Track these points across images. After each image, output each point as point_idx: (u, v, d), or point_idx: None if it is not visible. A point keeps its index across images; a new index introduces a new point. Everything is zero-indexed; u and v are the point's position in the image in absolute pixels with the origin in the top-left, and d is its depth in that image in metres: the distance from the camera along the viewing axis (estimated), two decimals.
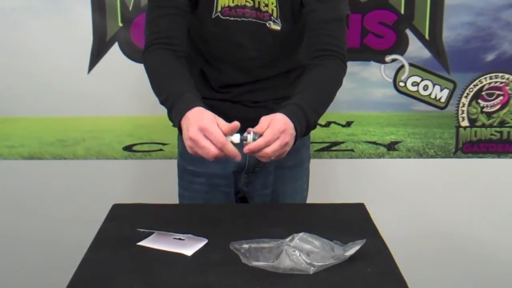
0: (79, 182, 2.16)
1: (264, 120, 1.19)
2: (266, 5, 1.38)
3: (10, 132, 2.14)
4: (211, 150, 1.15)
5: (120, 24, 2.03)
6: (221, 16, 1.38)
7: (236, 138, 1.17)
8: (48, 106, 2.10)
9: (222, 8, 1.38)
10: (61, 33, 2.03)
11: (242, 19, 1.38)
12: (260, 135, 1.17)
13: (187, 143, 1.18)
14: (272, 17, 1.39)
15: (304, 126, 1.25)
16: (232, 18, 1.38)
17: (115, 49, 2.05)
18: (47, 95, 2.08)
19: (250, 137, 1.17)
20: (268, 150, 1.16)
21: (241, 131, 1.49)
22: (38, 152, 2.15)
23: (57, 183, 2.16)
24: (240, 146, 1.17)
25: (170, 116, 1.29)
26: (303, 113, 1.25)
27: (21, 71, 2.06)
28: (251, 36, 1.40)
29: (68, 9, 2.02)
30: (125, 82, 2.06)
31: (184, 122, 1.21)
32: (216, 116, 1.19)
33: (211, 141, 1.15)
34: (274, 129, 1.17)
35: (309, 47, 1.39)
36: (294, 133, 1.21)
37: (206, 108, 1.21)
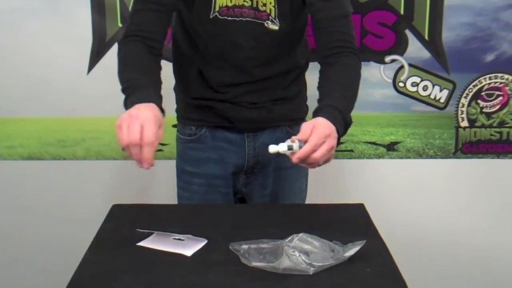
0: (79, 183, 2.16)
1: (307, 127, 1.16)
2: (264, 5, 1.38)
3: (9, 133, 2.15)
4: (134, 135, 1.11)
5: (120, 25, 2.03)
6: (219, 16, 1.38)
7: (284, 147, 1.15)
8: (48, 107, 2.10)
9: (220, 7, 1.38)
10: (61, 33, 2.04)
11: (240, 18, 1.38)
12: (305, 142, 1.14)
13: (123, 115, 1.15)
14: (270, 17, 1.39)
15: (343, 126, 1.23)
16: (230, 18, 1.38)
17: (115, 49, 2.05)
18: (47, 95, 2.09)
19: (296, 145, 1.14)
20: (316, 155, 1.14)
21: (241, 130, 1.49)
22: (38, 152, 2.16)
23: (56, 184, 2.16)
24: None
25: (125, 103, 1.25)
26: (340, 114, 1.23)
27: (21, 71, 2.07)
28: (249, 35, 1.41)
29: (68, 10, 2.02)
30: None
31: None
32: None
33: (142, 130, 1.11)
34: (320, 134, 1.14)
35: (321, 46, 1.38)
36: (337, 136, 1.19)
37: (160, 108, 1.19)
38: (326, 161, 1.18)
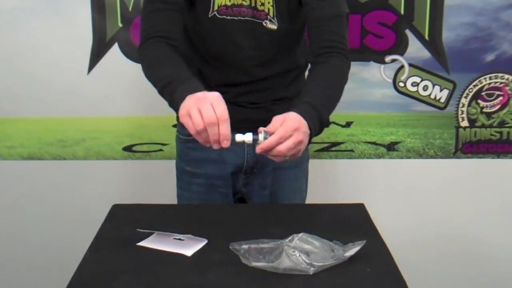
0: (79, 183, 2.16)
1: (277, 119, 1.17)
2: (263, 4, 1.38)
3: (10, 133, 2.14)
4: (210, 114, 1.10)
5: (120, 25, 2.03)
6: (217, 15, 1.38)
7: (249, 137, 1.16)
8: (48, 107, 2.10)
9: (218, 7, 1.38)
10: (61, 33, 2.04)
11: (239, 18, 1.38)
12: (272, 134, 1.15)
13: (187, 103, 1.13)
14: (269, 16, 1.39)
15: (318, 124, 1.24)
16: (228, 17, 1.38)
17: (115, 49, 2.05)
18: (47, 95, 2.09)
19: (261, 136, 1.15)
20: (281, 147, 1.14)
21: (241, 132, 1.49)
22: (38, 152, 2.15)
23: (57, 184, 2.16)
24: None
25: (173, 97, 1.22)
26: (316, 111, 1.23)
27: (21, 71, 2.07)
28: (248, 35, 1.40)
29: (68, 10, 2.02)
30: (125, 82, 2.07)
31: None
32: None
33: (214, 108, 1.11)
34: (287, 127, 1.15)
35: (312, 45, 1.39)
36: (308, 132, 1.19)
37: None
38: (294, 155, 1.18)
